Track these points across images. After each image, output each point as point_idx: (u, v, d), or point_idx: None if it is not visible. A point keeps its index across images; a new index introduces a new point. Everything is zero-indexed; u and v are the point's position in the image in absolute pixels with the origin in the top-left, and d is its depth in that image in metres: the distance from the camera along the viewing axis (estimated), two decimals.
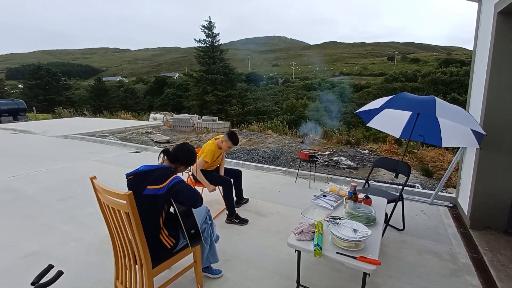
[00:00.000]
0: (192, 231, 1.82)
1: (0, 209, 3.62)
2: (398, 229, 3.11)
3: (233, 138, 3.32)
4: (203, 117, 13.18)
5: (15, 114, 15.19)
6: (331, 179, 4.84)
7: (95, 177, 1.77)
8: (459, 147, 3.79)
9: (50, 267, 1.35)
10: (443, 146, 3.26)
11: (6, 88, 41.61)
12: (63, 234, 2.99)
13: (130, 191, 1.55)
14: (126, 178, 1.81)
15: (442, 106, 2.51)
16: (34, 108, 20.29)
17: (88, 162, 6.02)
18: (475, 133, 2.67)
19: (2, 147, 7.70)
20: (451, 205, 3.81)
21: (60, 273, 1.30)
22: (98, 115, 19.21)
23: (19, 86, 45.63)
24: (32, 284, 1.23)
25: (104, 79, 49.82)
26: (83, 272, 2.35)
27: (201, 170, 3.26)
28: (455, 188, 4.10)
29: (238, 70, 36.42)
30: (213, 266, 2.30)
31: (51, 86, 35.87)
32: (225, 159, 6.09)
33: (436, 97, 2.61)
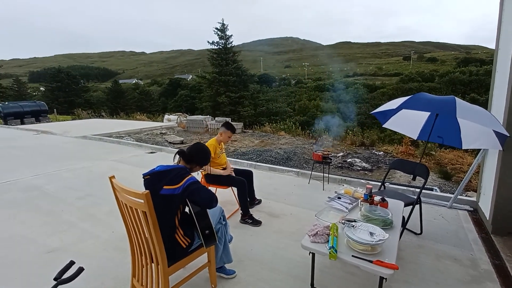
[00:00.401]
0: (207, 232, 1.84)
1: (24, 206, 3.79)
2: (415, 233, 3.02)
3: (229, 126, 3.48)
4: (216, 118, 13.31)
5: (37, 116, 15.85)
6: (345, 181, 4.77)
7: (113, 177, 1.82)
8: (480, 149, 3.65)
9: (72, 263, 1.40)
10: (463, 148, 3.15)
11: (29, 91, 43.60)
12: (82, 231, 3.09)
13: (147, 191, 1.58)
14: (143, 178, 1.86)
15: (463, 106, 2.43)
16: (55, 110, 21.10)
17: (105, 162, 6.21)
18: (498, 134, 2.56)
19: (26, 147, 8.06)
20: (472, 209, 3.66)
21: (81, 270, 1.35)
22: (115, 116, 19.78)
23: (41, 88, 47.64)
24: (55, 279, 1.28)
25: (120, 81, 51.25)
26: (101, 269, 2.42)
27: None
28: (476, 191, 3.95)
29: (251, 71, 36.54)
30: (227, 266, 2.32)
31: (71, 88, 37.26)
32: (238, 160, 6.15)
33: (456, 97, 2.53)
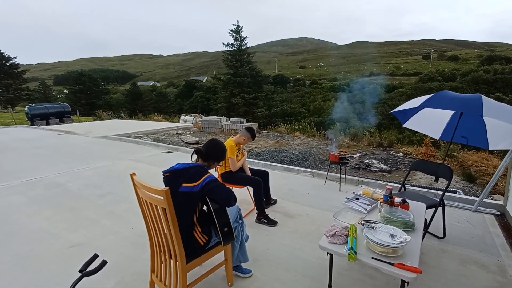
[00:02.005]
0: (226, 229, 1.85)
1: (49, 202, 3.96)
2: (438, 237, 2.90)
3: (253, 134, 3.47)
4: (231, 119, 13.40)
5: (61, 117, 16.58)
6: (363, 182, 4.66)
7: (134, 174, 1.87)
8: (507, 151, 3.46)
9: (95, 256, 1.44)
10: (489, 149, 2.99)
11: (53, 93, 45.72)
12: (103, 228, 3.19)
13: (167, 187, 1.61)
14: (163, 175, 1.89)
15: (490, 104, 2.31)
16: (77, 111, 21.96)
17: (124, 161, 6.39)
18: None
19: (50, 146, 8.44)
20: (498, 213, 3.48)
21: (104, 263, 1.39)
22: (133, 117, 20.36)
23: (65, 91, 49.76)
24: (80, 271, 1.33)
25: (138, 83, 52.64)
26: (122, 263, 2.49)
27: (228, 172, 3.35)
28: (503, 195, 3.75)
29: (265, 72, 36.59)
30: (243, 265, 2.32)
31: (92, 91, 38.67)
32: (253, 160, 6.16)
33: (482, 95, 2.41)
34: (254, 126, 12.04)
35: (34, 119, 15.42)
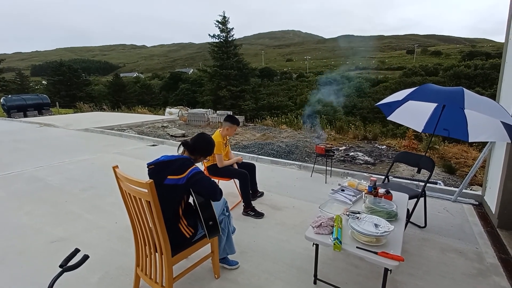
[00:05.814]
0: (211, 223, 1.83)
1: (30, 197, 3.81)
2: (419, 226, 3.01)
3: (234, 121, 3.38)
4: (218, 111, 13.25)
5: (40, 109, 15.83)
6: (348, 174, 4.74)
7: (117, 166, 1.81)
8: (485, 144, 3.60)
9: (77, 251, 1.39)
10: (469, 141, 3.09)
11: (31, 84, 43.51)
12: (87, 222, 3.10)
13: (151, 180, 1.57)
14: (148, 167, 1.84)
15: (471, 98, 2.37)
16: (57, 103, 21.01)
17: (108, 154, 6.21)
18: (506, 126, 2.51)
19: (29, 140, 8.07)
20: (477, 203, 3.64)
21: (85, 257, 1.35)
22: (116, 109, 19.72)
23: (43, 82, 47.52)
24: (60, 266, 1.28)
25: (121, 75, 50.93)
26: (106, 258, 2.44)
27: (215, 165, 3.33)
28: (481, 185, 3.92)
29: (252, 65, 36.30)
30: (230, 257, 2.32)
31: (73, 82, 37.06)
32: (240, 153, 6.13)
33: (464, 88, 2.47)
34: (241, 118, 11.98)
35: (10, 111, 14.66)
